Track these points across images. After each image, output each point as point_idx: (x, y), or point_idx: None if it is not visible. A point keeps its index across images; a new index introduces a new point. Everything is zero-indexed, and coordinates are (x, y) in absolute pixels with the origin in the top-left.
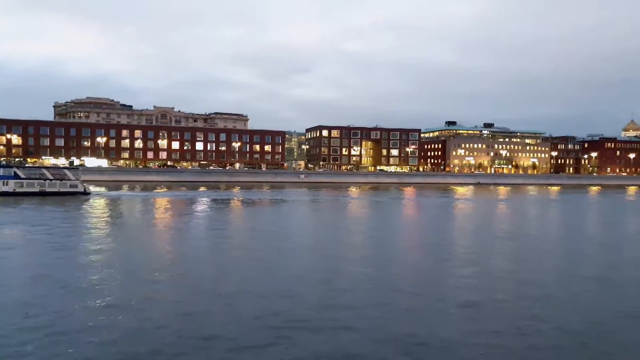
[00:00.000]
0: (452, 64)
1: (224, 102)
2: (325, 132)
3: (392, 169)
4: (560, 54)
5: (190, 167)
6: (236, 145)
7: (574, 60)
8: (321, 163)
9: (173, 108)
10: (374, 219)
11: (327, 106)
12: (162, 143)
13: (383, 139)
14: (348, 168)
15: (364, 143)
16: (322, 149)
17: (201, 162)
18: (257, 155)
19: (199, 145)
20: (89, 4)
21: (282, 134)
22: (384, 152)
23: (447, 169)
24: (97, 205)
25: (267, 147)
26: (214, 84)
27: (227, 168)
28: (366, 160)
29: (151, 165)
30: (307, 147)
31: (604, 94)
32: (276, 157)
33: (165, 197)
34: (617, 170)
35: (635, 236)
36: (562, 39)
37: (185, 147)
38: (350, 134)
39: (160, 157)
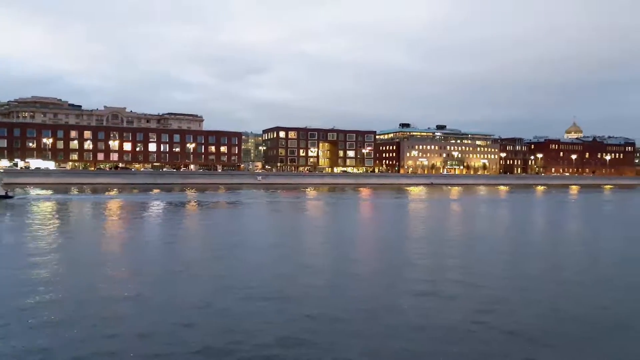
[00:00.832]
0: (405, 66)
1: (178, 103)
2: (282, 133)
3: (349, 170)
4: (507, 59)
5: (143, 169)
6: (191, 146)
7: (521, 64)
8: (278, 164)
9: (125, 108)
10: (331, 222)
11: (283, 107)
12: (114, 144)
13: (340, 140)
14: (306, 169)
15: (321, 144)
16: (280, 150)
17: (154, 164)
18: (212, 157)
19: (152, 147)
20: (34, 1)
21: (238, 134)
22: (341, 153)
23: (402, 170)
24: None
25: (223, 148)
26: (168, 84)
27: (181, 170)
28: (323, 162)
29: (102, 167)
30: (264, 148)
31: (548, 97)
32: (232, 158)
33: (114, 200)
34: (561, 170)
35: (576, 236)
36: (508, 44)
37: (137, 149)
38: (307, 135)
39: (111, 159)
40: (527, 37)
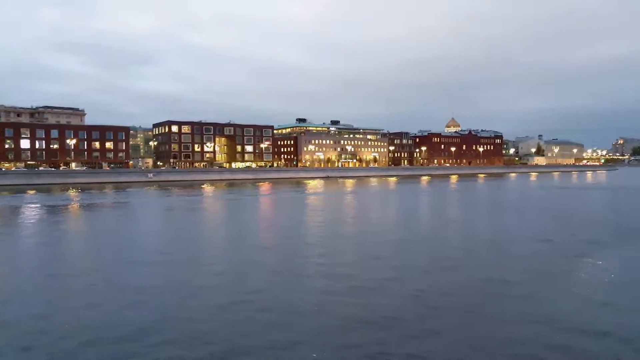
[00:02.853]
0: (296, 62)
1: (53, 95)
2: (175, 128)
3: (247, 165)
4: (391, 58)
5: (14, 169)
6: (71, 142)
7: (403, 63)
8: (171, 160)
9: None
10: (230, 218)
11: (174, 100)
12: None
13: (237, 134)
14: (202, 165)
15: (217, 139)
16: (172, 145)
17: (28, 163)
18: (97, 154)
19: (25, 143)
20: None
21: (125, 129)
22: (239, 148)
23: (300, 164)
24: None
25: (109, 145)
26: (36, 73)
27: (61, 168)
28: (220, 157)
29: None
30: (155, 143)
31: (429, 94)
32: (120, 155)
33: None
34: (442, 161)
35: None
36: (391, 44)
37: (7, 146)
38: (202, 129)
39: None
40: (407, 38)
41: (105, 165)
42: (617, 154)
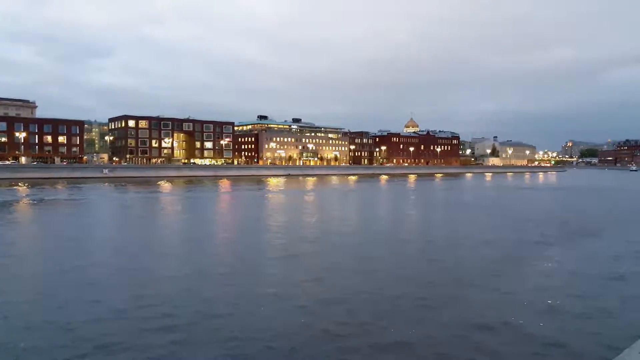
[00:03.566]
0: (257, 59)
1: (1, 85)
2: (131, 123)
3: (207, 161)
4: (355, 57)
5: None
6: (21, 135)
7: (366, 62)
8: (128, 156)
9: None
10: (185, 217)
11: (131, 95)
12: None
13: (196, 130)
14: (159, 161)
15: (175, 135)
16: (129, 140)
17: None
18: (49, 148)
19: None
20: None
21: (80, 123)
22: (198, 144)
23: (261, 161)
24: None
25: (62, 139)
26: None
27: (9, 162)
28: (179, 153)
29: None
30: (111, 138)
31: (389, 94)
32: (73, 149)
33: None
34: (401, 160)
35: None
36: (349, 44)
37: None
38: (160, 124)
39: None
40: (369, 38)
41: (58, 160)
42: (567, 156)
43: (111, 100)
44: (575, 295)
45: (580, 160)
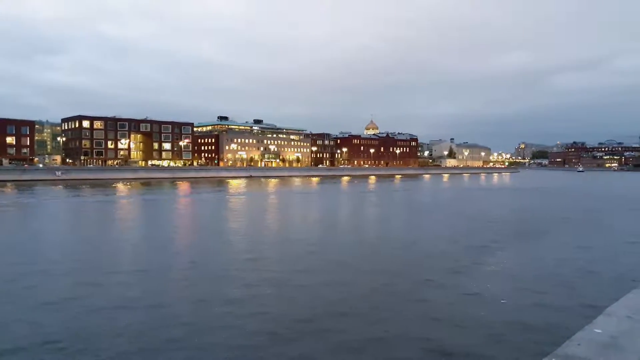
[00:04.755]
0: (217, 59)
1: None
2: (86, 123)
3: (165, 163)
4: (316, 58)
5: None
6: None
7: (328, 64)
8: (82, 158)
9: None
10: (141, 222)
11: (85, 94)
12: None
13: (154, 131)
14: (115, 163)
15: (132, 136)
16: (84, 141)
17: None
18: None
19: None
20: None
21: (30, 123)
22: (156, 145)
23: (221, 163)
24: None
25: (10, 139)
26: None
27: None
28: (136, 155)
29: None
30: (65, 139)
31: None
32: (23, 151)
33: None
34: (362, 162)
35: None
36: (310, 45)
37: None
38: (116, 125)
39: None
40: (331, 40)
41: (6, 162)
42: (519, 157)
43: (64, 100)
44: (521, 288)
45: (532, 161)
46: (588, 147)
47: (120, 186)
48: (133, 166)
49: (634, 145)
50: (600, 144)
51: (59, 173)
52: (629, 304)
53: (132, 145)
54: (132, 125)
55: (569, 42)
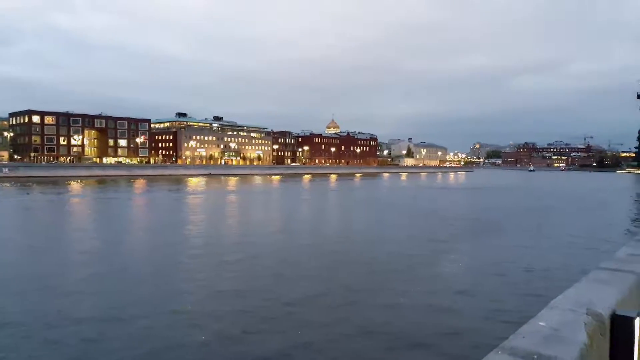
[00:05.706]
0: (177, 54)
1: None
2: (36, 118)
3: (121, 160)
4: (279, 56)
5: None
6: None
7: (290, 62)
8: (32, 154)
9: None
10: (91, 222)
11: (36, 87)
12: None
13: (110, 128)
14: (68, 160)
15: (87, 132)
16: (34, 137)
17: None
18: None
19: None
20: None
21: None
22: (111, 142)
23: (180, 160)
24: None
25: None
26: None
27: None
28: (90, 151)
29: None
30: (12, 135)
31: (311, 95)
32: None
33: None
34: (323, 161)
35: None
36: (274, 43)
37: None
38: (69, 121)
39: None
40: (294, 38)
41: None
42: (475, 157)
43: (12, 94)
44: (471, 283)
45: (487, 161)
46: (538, 147)
47: (73, 184)
48: (87, 163)
49: (580, 147)
50: (549, 144)
51: (5, 170)
52: (571, 297)
53: (86, 142)
54: (86, 121)
55: (527, 45)
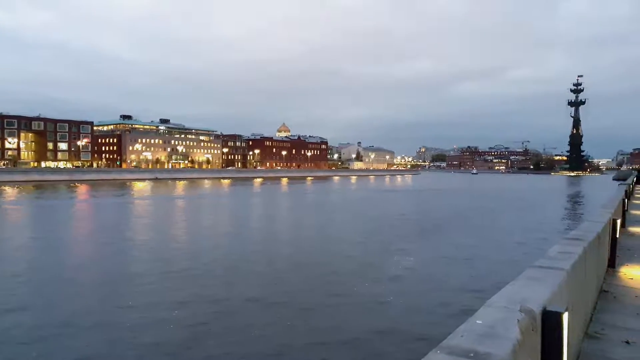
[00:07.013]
0: (122, 54)
1: None
2: None
3: (62, 164)
4: (229, 58)
5: None
6: None
7: (240, 64)
8: None
9: None
10: (27, 231)
11: None
12: None
13: (48, 130)
14: (2, 164)
15: (23, 134)
16: None
17: None
18: None
19: None
20: None
21: None
22: (50, 145)
23: (124, 164)
24: None
25: None
26: None
27: None
28: (27, 155)
29: None
30: None
31: (261, 98)
32: None
33: None
34: (274, 164)
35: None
36: (221, 45)
37: None
38: (3, 123)
39: None
40: (244, 39)
41: None
42: (420, 160)
43: None
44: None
45: (432, 164)
46: (480, 151)
47: (8, 189)
48: (24, 167)
49: (518, 150)
50: (490, 148)
51: None
52: (506, 295)
53: (23, 145)
54: (23, 123)
55: (468, 52)
